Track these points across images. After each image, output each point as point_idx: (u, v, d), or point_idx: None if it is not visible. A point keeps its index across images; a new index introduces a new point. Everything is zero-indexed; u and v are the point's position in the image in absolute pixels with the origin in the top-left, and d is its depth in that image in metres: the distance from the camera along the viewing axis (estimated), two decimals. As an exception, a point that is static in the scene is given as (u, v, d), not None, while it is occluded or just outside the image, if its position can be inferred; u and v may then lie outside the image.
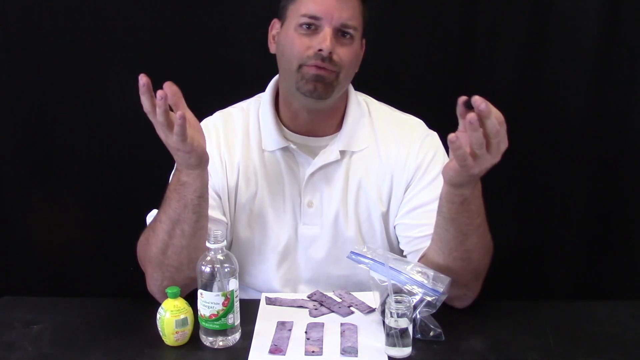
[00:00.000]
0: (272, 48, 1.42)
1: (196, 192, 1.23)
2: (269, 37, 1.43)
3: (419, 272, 1.21)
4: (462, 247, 1.23)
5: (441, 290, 1.19)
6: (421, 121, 1.46)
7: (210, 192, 1.37)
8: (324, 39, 1.29)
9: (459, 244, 1.23)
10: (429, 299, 1.18)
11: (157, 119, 1.14)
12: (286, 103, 1.41)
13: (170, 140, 1.16)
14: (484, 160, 1.09)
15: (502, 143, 1.08)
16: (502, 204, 1.86)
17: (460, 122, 1.10)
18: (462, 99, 1.07)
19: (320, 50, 1.29)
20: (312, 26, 1.31)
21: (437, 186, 1.34)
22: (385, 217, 1.42)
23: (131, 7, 1.76)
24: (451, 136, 1.06)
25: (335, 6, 1.30)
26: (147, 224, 1.38)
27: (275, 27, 1.41)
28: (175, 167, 1.27)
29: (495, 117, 1.06)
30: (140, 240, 1.33)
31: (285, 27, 1.36)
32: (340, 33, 1.32)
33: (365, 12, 1.38)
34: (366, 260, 1.25)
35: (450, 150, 1.09)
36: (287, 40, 1.34)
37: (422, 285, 1.19)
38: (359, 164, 1.40)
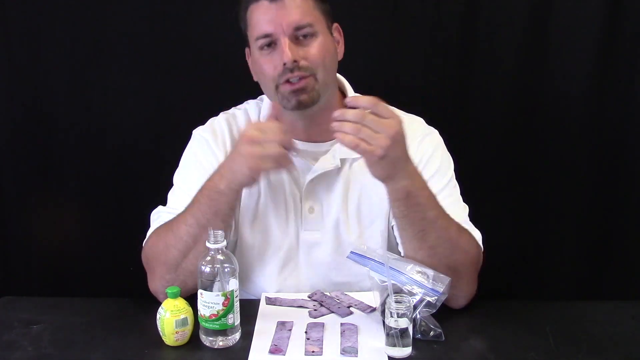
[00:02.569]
0: (255, 75, 1.41)
1: (230, 204, 1.25)
2: (250, 66, 1.42)
3: (419, 272, 1.21)
4: (425, 243, 1.24)
5: (441, 290, 1.19)
6: (421, 119, 1.46)
7: None
8: (283, 52, 1.29)
9: (420, 241, 1.24)
10: (429, 299, 1.18)
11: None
12: (281, 116, 1.40)
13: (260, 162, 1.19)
14: (376, 138, 1.14)
15: (380, 122, 1.15)
16: (502, 203, 1.86)
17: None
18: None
19: (284, 64, 1.29)
20: (270, 44, 1.31)
21: (435, 184, 1.34)
22: (388, 221, 1.41)
23: (131, 8, 1.76)
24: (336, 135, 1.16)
25: (281, 15, 1.29)
26: (152, 221, 1.38)
27: (249, 55, 1.42)
28: (211, 179, 1.27)
29: (364, 105, 1.16)
30: (152, 241, 1.32)
31: (252, 55, 1.37)
32: (301, 36, 1.31)
33: (319, 2, 1.35)
34: (366, 260, 1.25)
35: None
36: (257, 66, 1.35)
37: (421, 285, 1.19)
38: (359, 171, 1.38)
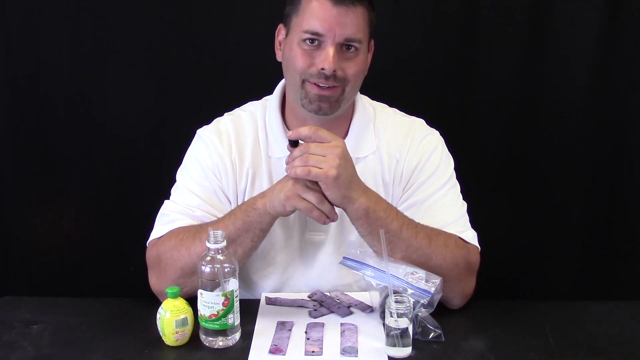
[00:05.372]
0: (279, 55, 1.41)
1: (261, 225, 1.27)
2: (275, 43, 1.41)
3: (411, 274, 1.21)
4: (397, 255, 1.25)
5: (432, 290, 1.19)
6: (422, 121, 1.46)
7: (221, 196, 1.38)
8: (326, 58, 1.28)
9: (391, 254, 1.24)
10: (422, 301, 1.18)
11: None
12: (293, 111, 1.41)
13: (301, 205, 1.22)
14: (324, 161, 1.19)
15: (324, 146, 1.20)
16: (501, 203, 1.87)
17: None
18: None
19: (322, 69, 1.29)
20: (315, 41, 1.30)
21: (433, 183, 1.36)
22: None
23: (131, 8, 1.76)
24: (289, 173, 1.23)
25: (338, 22, 1.28)
26: (159, 216, 1.37)
27: (281, 33, 1.40)
28: (254, 196, 1.29)
29: (305, 134, 1.22)
30: (171, 243, 1.30)
31: (289, 39, 1.35)
32: (345, 47, 1.31)
33: (371, 18, 1.36)
34: (360, 265, 1.25)
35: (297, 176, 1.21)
36: (291, 54, 1.33)
37: (413, 287, 1.19)
38: (363, 170, 1.38)
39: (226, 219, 1.29)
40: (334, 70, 1.29)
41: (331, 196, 1.22)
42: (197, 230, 1.29)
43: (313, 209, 1.22)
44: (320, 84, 1.30)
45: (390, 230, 1.24)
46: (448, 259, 1.28)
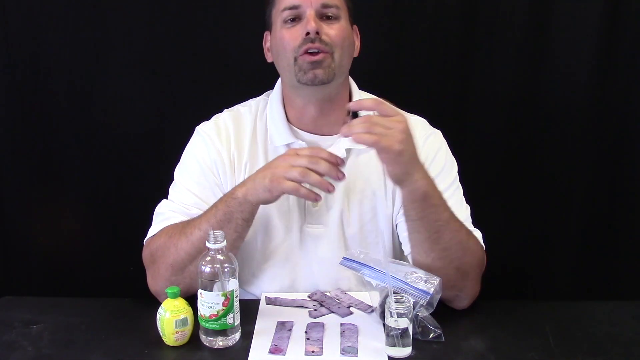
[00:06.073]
0: (269, 57, 1.44)
1: (243, 214, 1.25)
2: (264, 50, 1.45)
3: (410, 274, 1.21)
4: (438, 246, 1.23)
5: (432, 291, 1.18)
6: (424, 120, 1.46)
7: (218, 194, 1.37)
8: (308, 22, 1.31)
9: (433, 244, 1.23)
10: (421, 301, 1.18)
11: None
12: (291, 103, 1.41)
13: (285, 186, 1.19)
14: (389, 135, 1.14)
15: (388, 120, 1.16)
16: (502, 204, 1.87)
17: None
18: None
19: (307, 34, 1.31)
20: (295, 18, 1.34)
21: (438, 185, 1.34)
22: (391, 218, 1.41)
23: (131, 7, 1.76)
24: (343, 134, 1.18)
25: None
26: (155, 215, 1.37)
27: (267, 39, 1.44)
28: (233, 187, 1.28)
29: (369, 106, 1.19)
30: (161, 241, 1.31)
31: (274, 31, 1.39)
32: (325, 16, 1.34)
33: None
34: (359, 266, 1.25)
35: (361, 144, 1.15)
36: (278, 39, 1.36)
37: (412, 287, 1.19)
38: (365, 164, 1.38)
39: (208, 212, 1.28)
40: (317, 32, 1.31)
41: (392, 171, 1.18)
42: (184, 227, 1.29)
43: (299, 187, 1.20)
44: (310, 50, 1.31)
45: (441, 219, 1.22)
46: (476, 258, 1.28)
